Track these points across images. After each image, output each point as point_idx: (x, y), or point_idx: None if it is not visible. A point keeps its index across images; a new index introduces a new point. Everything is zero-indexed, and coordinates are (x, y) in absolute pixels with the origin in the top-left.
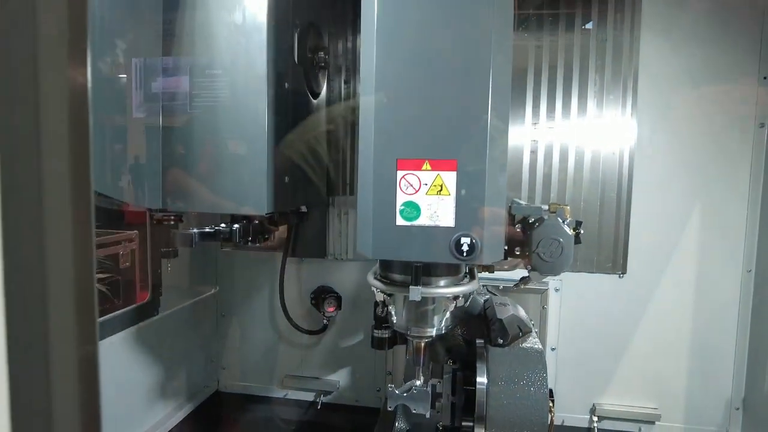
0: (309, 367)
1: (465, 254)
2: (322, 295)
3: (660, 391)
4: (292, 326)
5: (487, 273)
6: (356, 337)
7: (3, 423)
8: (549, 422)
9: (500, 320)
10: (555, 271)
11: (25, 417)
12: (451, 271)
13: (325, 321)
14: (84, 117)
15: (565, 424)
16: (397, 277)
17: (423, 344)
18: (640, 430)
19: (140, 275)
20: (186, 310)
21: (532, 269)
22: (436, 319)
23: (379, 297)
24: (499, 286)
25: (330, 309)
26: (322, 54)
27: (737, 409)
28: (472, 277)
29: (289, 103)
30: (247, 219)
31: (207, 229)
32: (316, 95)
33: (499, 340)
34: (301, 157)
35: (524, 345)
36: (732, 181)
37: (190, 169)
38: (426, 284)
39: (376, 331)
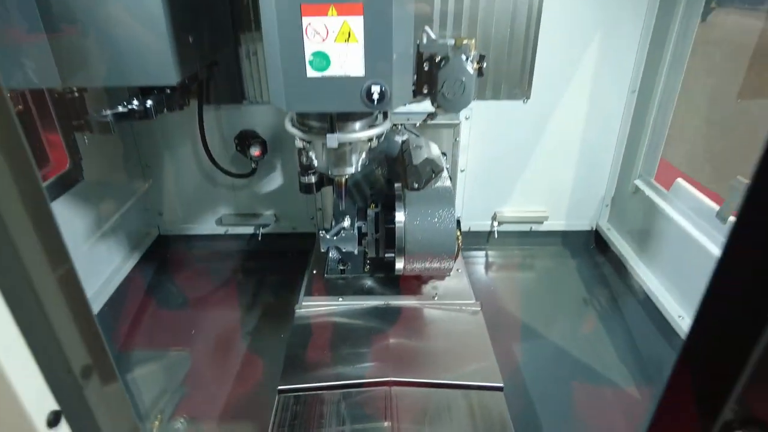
0: (244, 207)
1: (376, 102)
2: (246, 141)
3: (549, 197)
4: (220, 171)
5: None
6: (286, 176)
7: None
8: (456, 249)
9: (415, 166)
10: (457, 108)
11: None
12: (366, 114)
13: (253, 165)
14: None
15: (471, 230)
16: (314, 124)
17: (344, 180)
18: (531, 228)
19: (52, 151)
20: (109, 170)
21: (438, 106)
22: (353, 158)
23: (299, 144)
24: (415, 124)
25: (256, 153)
26: None
27: (607, 205)
28: (386, 117)
29: None
30: (158, 90)
31: (121, 109)
32: None
33: (414, 184)
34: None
35: (436, 186)
36: (630, 13)
37: (84, 40)
38: (342, 129)
39: (302, 177)
